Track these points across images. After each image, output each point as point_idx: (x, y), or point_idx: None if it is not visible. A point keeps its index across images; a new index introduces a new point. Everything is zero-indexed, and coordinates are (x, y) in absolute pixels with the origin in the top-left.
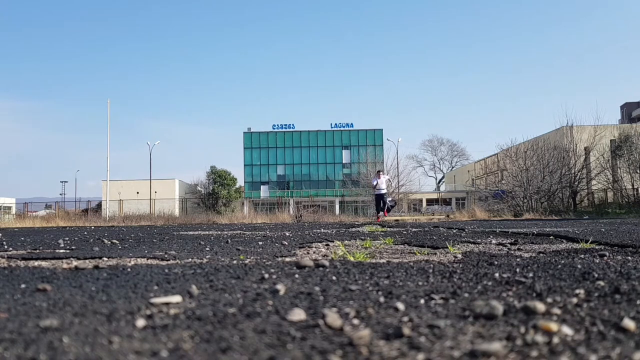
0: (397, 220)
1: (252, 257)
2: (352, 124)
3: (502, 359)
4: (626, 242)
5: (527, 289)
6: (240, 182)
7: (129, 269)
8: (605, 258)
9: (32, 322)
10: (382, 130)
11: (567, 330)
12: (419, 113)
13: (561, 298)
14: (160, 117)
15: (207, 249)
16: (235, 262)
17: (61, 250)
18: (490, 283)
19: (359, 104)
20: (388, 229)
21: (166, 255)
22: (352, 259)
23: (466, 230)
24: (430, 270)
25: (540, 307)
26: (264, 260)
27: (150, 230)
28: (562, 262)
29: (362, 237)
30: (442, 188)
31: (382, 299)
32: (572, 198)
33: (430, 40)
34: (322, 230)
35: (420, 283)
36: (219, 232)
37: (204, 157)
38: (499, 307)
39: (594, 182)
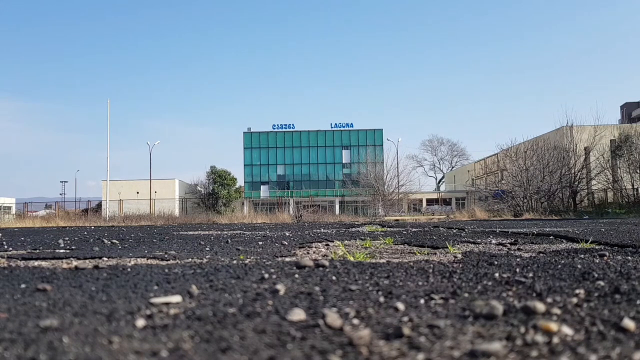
0: (397, 220)
1: (252, 257)
2: (352, 124)
3: (502, 359)
4: (626, 242)
5: (527, 289)
6: (240, 182)
7: (129, 269)
8: (605, 258)
9: (32, 322)
10: (382, 130)
11: (567, 330)
12: (419, 113)
13: (561, 298)
14: (160, 117)
15: (207, 249)
16: (235, 262)
17: (61, 250)
18: (490, 283)
19: (359, 104)
20: (388, 229)
21: (166, 255)
22: (352, 259)
23: (466, 230)
24: (430, 270)
25: (540, 307)
26: (264, 260)
27: (150, 230)
28: (562, 262)
29: (362, 237)
30: (442, 188)
31: (382, 299)
32: (572, 198)
33: (430, 41)
34: (322, 230)
35: (420, 283)
36: (219, 232)
37: (204, 157)
38: (499, 307)
39: (594, 182)
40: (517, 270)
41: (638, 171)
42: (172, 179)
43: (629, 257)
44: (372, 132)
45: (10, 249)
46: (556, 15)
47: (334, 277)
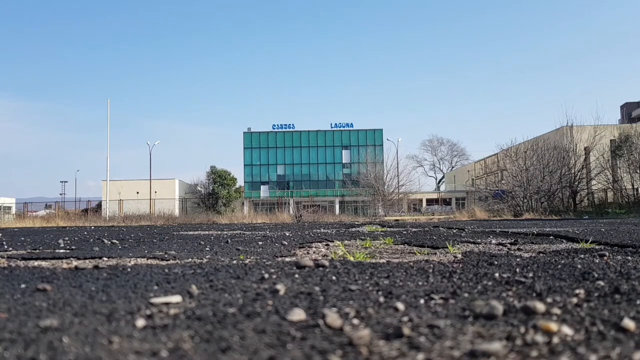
0: (397, 220)
1: (252, 257)
2: (352, 124)
3: (502, 359)
4: (626, 242)
5: (527, 289)
6: (240, 182)
7: (129, 269)
8: (605, 258)
9: (32, 322)
10: (382, 130)
11: (567, 330)
12: (419, 113)
13: (561, 298)
14: (160, 117)
15: (207, 249)
16: (235, 262)
17: (61, 250)
18: (490, 283)
19: (359, 104)
20: (388, 229)
21: (166, 255)
22: (352, 259)
23: (466, 230)
24: (430, 270)
25: (540, 307)
26: (264, 260)
27: (150, 230)
28: (562, 262)
29: (362, 237)
30: (442, 188)
31: (382, 299)
32: (572, 198)
33: (430, 41)
34: (322, 230)
35: (420, 283)
36: (219, 232)
37: (204, 157)
38: (498, 307)
39: (594, 182)
40: (517, 270)
41: (638, 171)
42: (172, 179)
43: (629, 257)
44: (372, 132)
45: (10, 249)
46: (556, 15)
47: (334, 277)
